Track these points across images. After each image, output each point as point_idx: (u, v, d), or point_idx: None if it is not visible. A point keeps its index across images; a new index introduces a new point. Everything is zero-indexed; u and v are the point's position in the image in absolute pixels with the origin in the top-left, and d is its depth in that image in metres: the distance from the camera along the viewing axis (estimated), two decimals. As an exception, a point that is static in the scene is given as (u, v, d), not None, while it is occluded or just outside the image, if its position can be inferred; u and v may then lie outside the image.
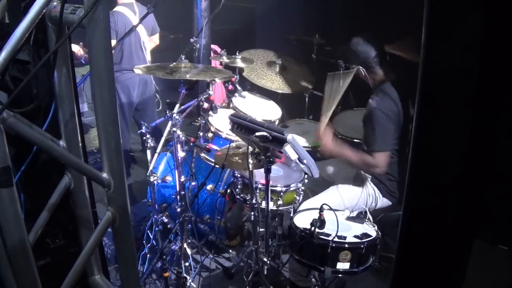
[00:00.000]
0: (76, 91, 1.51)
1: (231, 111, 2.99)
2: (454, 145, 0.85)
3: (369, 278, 2.63)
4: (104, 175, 1.29)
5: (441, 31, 0.81)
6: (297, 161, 1.90)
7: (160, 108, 4.84)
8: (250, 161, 2.08)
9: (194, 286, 2.54)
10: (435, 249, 0.92)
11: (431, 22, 0.82)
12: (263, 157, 2.02)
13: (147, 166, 2.72)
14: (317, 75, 3.74)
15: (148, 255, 2.72)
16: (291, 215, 2.36)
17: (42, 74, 1.43)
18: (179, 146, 2.51)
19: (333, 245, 1.94)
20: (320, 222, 1.98)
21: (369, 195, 2.56)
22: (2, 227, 1.19)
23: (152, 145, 2.65)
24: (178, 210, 2.58)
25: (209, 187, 2.89)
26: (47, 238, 1.58)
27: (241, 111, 3.10)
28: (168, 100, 4.40)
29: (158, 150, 2.70)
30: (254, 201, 2.32)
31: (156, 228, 2.73)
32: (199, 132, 3.00)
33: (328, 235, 1.96)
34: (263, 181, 2.20)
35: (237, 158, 2.38)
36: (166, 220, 2.77)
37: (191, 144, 2.60)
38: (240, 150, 2.45)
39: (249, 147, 2.05)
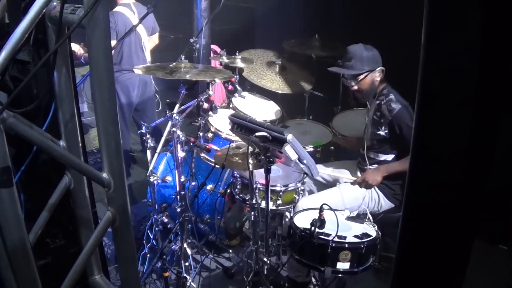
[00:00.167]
0: (76, 91, 1.51)
1: (231, 111, 3.00)
2: (454, 145, 0.85)
3: (369, 278, 2.63)
4: (104, 175, 1.29)
5: (441, 31, 0.81)
6: (297, 161, 1.90)
7: (160, 108, 4.83)
8: (250, 161, 2.08)
9: (194, 286, 2.54)
10: (435, 249, 0.92)
11: (431, 22, 0.82)
12: (263, 157, 2.02)
13: (147, 166, 2.72)
14: (317, 75, 3.74)
15: (148, 255, 2.72)
16: (291, 214, 2.36)
17: (42, 74, 1.42)
18: (179, 146, 2.51)
19: (333, 245, 1.94)
20: (320, 222, 1.98)
21: (371, 199, 2.56)
22: (2, 227, 1.19)
23: (152, 145, 2.65)
24: (178, 210, 2.58)
25: (209, 187, 2.89)
26: (47, 238, 1.58)
27: (241, 111, 3.11)
28: (168, 100, 4.39)
29: (158, 150, 2.70)
30: (254, 201, 2.32)
31: (156, 228, 2.73)
32: (199, 132, 3.00)
33: (328, 235, 1.97)
34: (263, 181, 2.20)
35: (237, 158, 2.38)
36: (166, 220, 2.77)
37: (191, 144, 2.60)
38: (240, 150, 2.45)
39: (249, 147, 2.05)
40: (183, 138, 2.51)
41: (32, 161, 1.46)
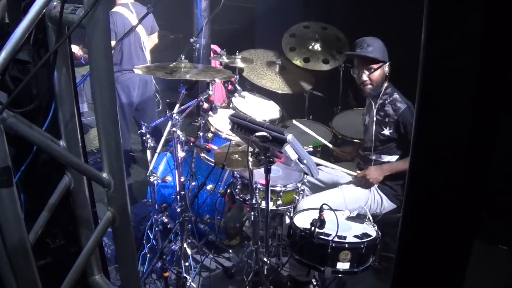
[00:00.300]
0: (76, 91, 1.51)
1: (231, 111, 2.99)
2: (454, 145, 0.85)
3: (369, 278, 2.63)
4: (104, 175, 1.29)
5: (441, 31, 0.81)
6: (297, 161, 1.90)
7: (160, 108, 4.83)
8: (250, 159, 2.08)
9: (194, 286, 2.54)
10: (435, 249, 0.92)
11: (431, 22, 0.82)
12: (263, 157, 2.02)
13: (147, 166, 2.72)
14: (317, 75, 3.74)
15: (148, 255, 2.71)
16: (291, 214, 2.36)
17: (42, 74, 1.42)
18: (179, 146, 2.51)
19: (333, 245, 1.94)
20: (320, 222, 1.98)
21: (373, 201, 2.55)
22: (2, 227, 1.19)
23: (152, 145, 2.64)
24: (178, 210, 2.58)
25: (209, 187, 2.89)
26: (47, 238, 1.58)
27: (241, 111, 3.10)
28: (168, 100, 4.40)
29: (158, 150, 2.70)
30: (254, 201, 2.32)
31: (156, 228, 2.73)
32: (199, 132, 3.00)
33: (328, 235, 1.96)
34: (263, 181, 2.20)
35: (236, 156, 2.37)
36: (166, 220, 2.77)
37: (191, 144, 2.60)
38: (240, 148, 2.44)
39: (249, 147, 2.05)
40: (183, 138, 2.51)
41: (32, 161, 1.46)
